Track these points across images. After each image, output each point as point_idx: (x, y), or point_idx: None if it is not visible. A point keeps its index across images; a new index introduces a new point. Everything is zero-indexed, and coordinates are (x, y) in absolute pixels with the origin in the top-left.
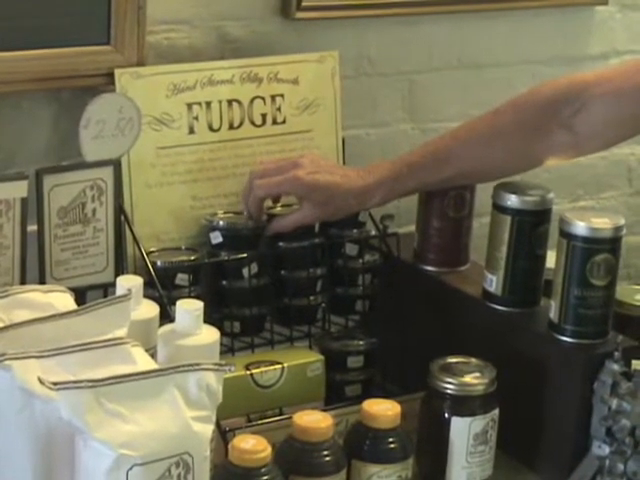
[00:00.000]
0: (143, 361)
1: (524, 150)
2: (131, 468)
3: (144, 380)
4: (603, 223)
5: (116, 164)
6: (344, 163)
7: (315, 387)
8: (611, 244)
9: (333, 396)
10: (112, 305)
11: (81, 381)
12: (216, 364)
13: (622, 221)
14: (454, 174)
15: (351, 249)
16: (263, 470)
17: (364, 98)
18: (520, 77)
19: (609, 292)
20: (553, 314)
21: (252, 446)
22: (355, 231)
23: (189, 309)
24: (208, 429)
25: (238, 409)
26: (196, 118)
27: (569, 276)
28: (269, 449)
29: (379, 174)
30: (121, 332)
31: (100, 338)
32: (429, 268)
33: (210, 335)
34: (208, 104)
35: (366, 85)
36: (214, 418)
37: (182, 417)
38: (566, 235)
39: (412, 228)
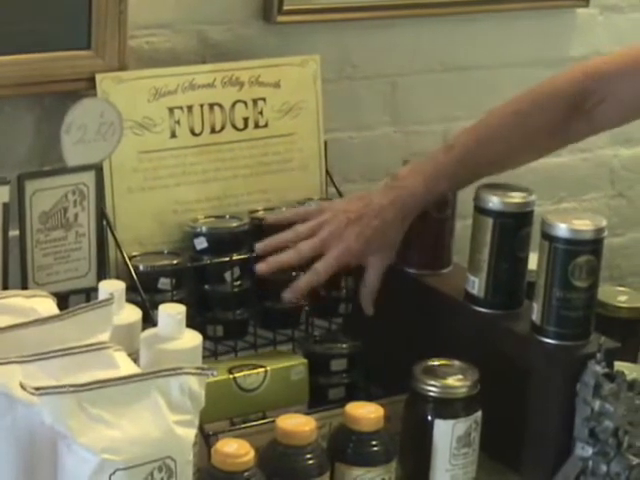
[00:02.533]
0: (126, 365)
1: (545, 143)
2: (114, 473)
3: (126, 385)
4: (585, 225)
5: (98, 169)
6: (326, 166)
7: (298, 390)
8: (593, 246)
9: (316, 399)
10: (94, 310)
11: (63, 386)
12: (198, 368)
13: (604, 223)
14: (478, 173)
15: None
16: (246, 474)
17: (346, 101)
18: (503, 80)
19: (591, 293)
20: (535, 316)
21: (235, 450)
22: None
23: (171, 313)
24: (191, 433)
25: (221, 413)
26: (178, 122)
27: (551, 278)
28: (252, 453)
29: (416, 184)
30: (103, 337)
31: (82, 343)
32: (411, 270)
33: (192, 339)
34: (190, 108)
35: (348, 88)
36: (197, 422)
37: (165, 421)
38: (548, 237)
39: None
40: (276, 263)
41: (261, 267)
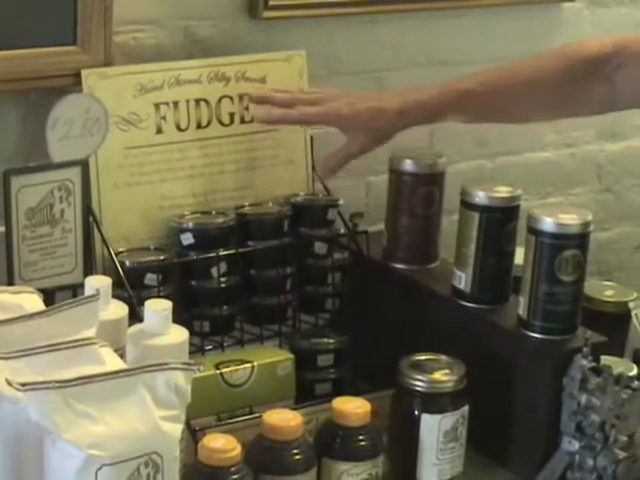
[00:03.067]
0: (112, 361)
1: (565, 97)
2: (100, 468)
3: (112, 380)
4: (571, 219)
5: (84, 164)
6: (313, 162)
7: (285, 386)
8: (579, 240)
9: (303, 395)
10: (80, 306)
11: (49, 382)
12: (185, 363)
13: (590, 217)
14: (497, 110)
15: (320, 248)
16: (233, 469)
17: None
18: None
19: (578, 288)
20: (522, 310)
21: (222, 445)
22: (324, 230)
23: (158, 309)
24: (177, 429)
25: (208, 408)
26: (164, 118)
27: (537, 272)
28: (239, 448)
29: (425, 94)
30: (90, 332)
31: (69, 339)
32: (398, 266)
33: (179, 335)
34: (176, 104)
35: (335, 84)
36: (183, 417)
37: (151, 417)
38: (534, 231)
39: (382, 226)
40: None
41: (258, 111)
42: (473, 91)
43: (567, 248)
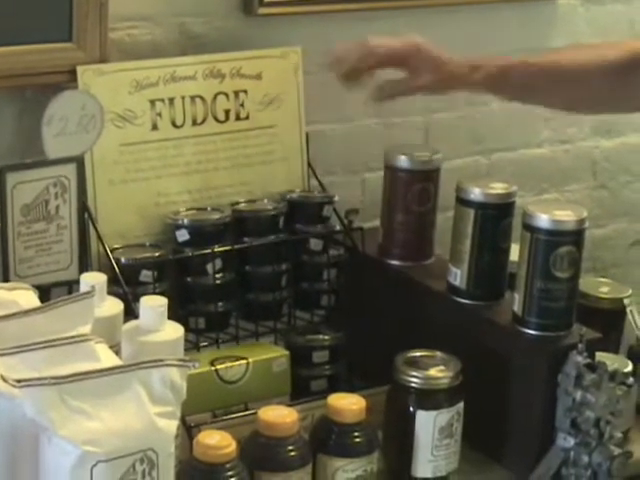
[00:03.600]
0: (107, 358)
1: (617, 90)
2: (95, 465)
3: (108, 377)
4: (566, 216)
5: (79, 161)
6: (308, 158)
7: (280, 382)
8: (574, 236)
9: (299, 391)
10: (75, 302)
11: (44, 378)
12: (180, 360)
13: (585, 213)
14: (554, 90)
15: (316, 244)
16: (228, 466)
17: (328, 93)
18: None
19: (573, 284)
20: (517, 307)
21: (217, 442)
22: (319, 226)
23: (153, 305)
24: (172, 425)
25: (203, 405)
26: (159, 114)
27: (533, 269)
28: (234, 445)
29: (496, 60)
30: (85, 329)
31: (64, 335)
32: (394, 262)
33: (174, 331)
34: (171, 100)
35: (330, 80)
36: (179, 414)
37: (146, 413)
38: (529, 228)
39: (377, 223)
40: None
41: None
42: (539, 64)
43: (562, 245)
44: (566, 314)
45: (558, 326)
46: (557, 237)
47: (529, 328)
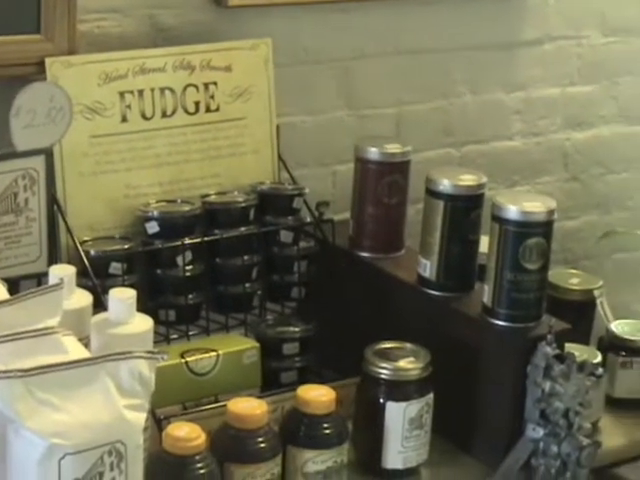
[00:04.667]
0: (75, 350)
1: None
2: (63, 457)
3: (75, 369)
4: (535, 207)
5: (48, 153)
6: (279, 150)
7: (251, 374)
8: (543, 228)
9: (269, 383)
10: (44, 295)
11: (11, 371)
12: (148, 352)
13: (554, 204)
14: None
15: (286, 236)
16: (197, 458)
17: (299, 85)
18: (455, 63)
19: (542, 276)
20: (487, 298)
21: (186, 434)
22: (290, 218)
23: (122, 298)
24: (141, 417)
25: (174, 397)
26: (129, 106)
27: (502, 260)
28: (203, 436)
29: None
30: (53, 322)
31: (32, 328)
32: (364, 254)
33: (143, 323)
34: (141, 92)
35: (301, 72)
36: (147, 406)
37: (114, 406)
38: (498, 219)
39: (348, 215)
40: None
41: None
42: None
43: (531, 236)
44: (536, 305)
45: (528, 317)
46: (526, 228)
47: (499, 319)
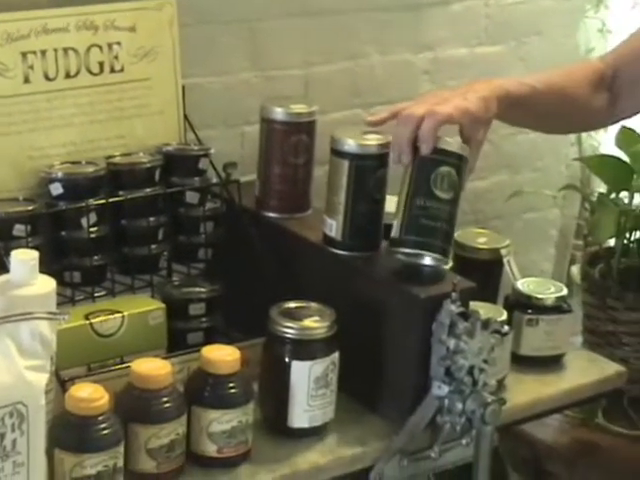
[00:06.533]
0: None
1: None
2: None
3: None
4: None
5: None
6: (185, 111)
7: (157, 335)
8: (456, 159)
9: (176, 344)
10: None
11: None
12: (49, 313)
13: (467, 147)
14: (552, 114)
15: (192, 197)
16: (101, 418)
17: (205, 46)
18: (361, 24)
19: (451, 208)
20: (395, 231)
21: (89, 394)
22: (196, 179)
23: (24, 259)
24: (42, 378)
25: (79, 359)
26: (31, 67)
27: (414, 187)
28: (107, 397)
29: (507, 84)
30: None
31: None
32: (271, 214)
33: (46, 285)
34: (43, 53)
35: (207, 33)
36: (49, 367)
37: (15, 367)
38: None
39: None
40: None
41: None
42: (538, 89)
43: (444, 164)
44: (443, 238)
45: (434, 247)
46: (441, 156)
47: (407, 247)
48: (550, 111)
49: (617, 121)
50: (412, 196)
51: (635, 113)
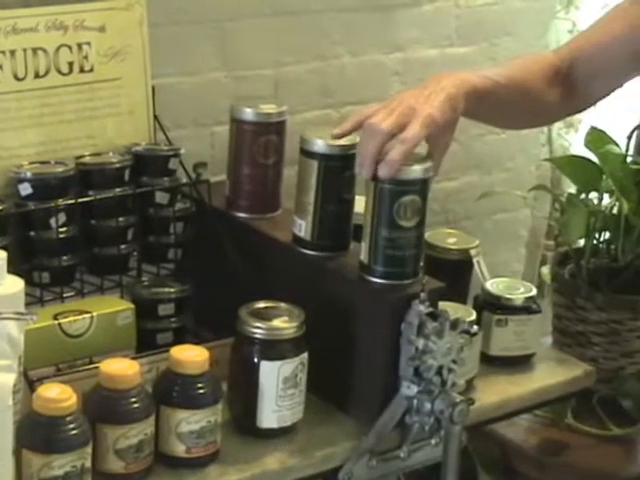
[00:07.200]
0: None
1: (541, 103)
2: None
3: None
4: (409, 168)
5: None
6: (154, 111)
7: (126, 335)
8: (418, 186)
9: (145, 344)
10: None
11: None
12: (17, 313)
13: (429, 163)
14: (512, 108)
15: (162, 197)
16: (69, 419)
17: (175, 46)
18: (331, 24)
19: (418, 233)
20: (363, 256)
21: (57, 395)
22: (166, 179)
23: None
24: (9, 378)
25: (48, 359)
26: (0, 67)
27: (378, 218)
28: (74, 397)
29: (472, 78)
30: None
31: None
32: (241, 215)
33: (14, 285)
34: (12, 53)
35: (177, 33)
36: (17, 367)
37: None
38: (374, 177)
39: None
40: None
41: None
42: (501, 83)
43: (406, 194)
44: (412, 263)
45: (404, 275)
46: (401, 187)
47: (375, 277)
48: (511, 105)
49: (569, 115)
50: (376, 225)
51: (589, 107)
